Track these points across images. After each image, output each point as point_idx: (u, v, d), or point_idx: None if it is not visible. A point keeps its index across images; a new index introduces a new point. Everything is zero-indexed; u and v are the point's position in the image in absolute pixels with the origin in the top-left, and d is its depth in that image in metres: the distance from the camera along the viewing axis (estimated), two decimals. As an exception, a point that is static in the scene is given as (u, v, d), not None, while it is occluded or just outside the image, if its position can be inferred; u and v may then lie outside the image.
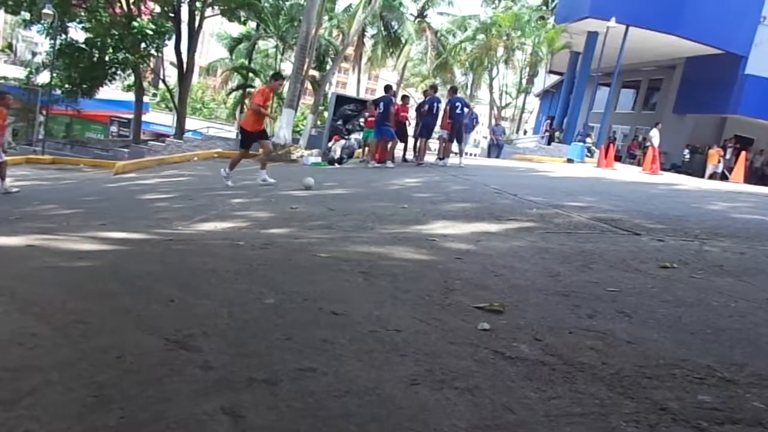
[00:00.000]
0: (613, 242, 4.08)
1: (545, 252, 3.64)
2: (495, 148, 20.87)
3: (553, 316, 2.34)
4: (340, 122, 15.99)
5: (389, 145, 12.00)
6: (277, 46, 32.29)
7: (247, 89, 34.19)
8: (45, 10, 19.59)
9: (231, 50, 34.80)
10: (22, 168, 14.07)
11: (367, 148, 13.05)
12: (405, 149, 13.57)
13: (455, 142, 12.59)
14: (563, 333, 2.15)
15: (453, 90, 13.04)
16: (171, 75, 31.95)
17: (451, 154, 12.76)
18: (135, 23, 20.10)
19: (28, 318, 2.08)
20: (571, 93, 23.84)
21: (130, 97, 27.29)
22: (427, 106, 12.05)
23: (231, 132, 28.96)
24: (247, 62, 33.88)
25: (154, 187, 9.48)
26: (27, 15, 21.48)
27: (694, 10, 19.75)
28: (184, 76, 23.47)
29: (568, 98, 24.10)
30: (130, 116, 27.10)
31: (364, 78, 41.29)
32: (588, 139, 21.86)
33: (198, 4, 22.46)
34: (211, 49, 48.32)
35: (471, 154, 23.48)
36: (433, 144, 15.33)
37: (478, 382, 1.70)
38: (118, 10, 21.47)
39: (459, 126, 12.02)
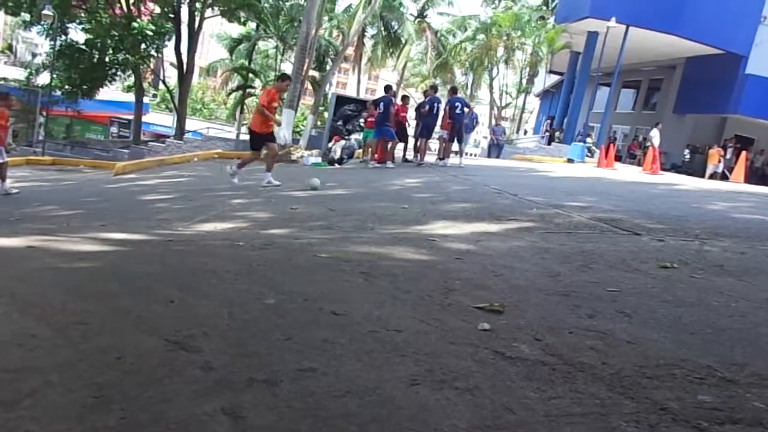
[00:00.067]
0: (613, 242, 4.08)
1: (545, 252, 3.64)
2: (495, 148, 20.87)
3: (553, 316, 2.34)
4: (340, 123, 16.00)
5: (389, 146, 12.00)
6: (277, 47, 32.30)
7: (247, 90, 34.21)
8: (45, 11, 19.60)
9: (231, 51, 34.80)
10: (23, 169, 14.07)
11: (369, 149, 13.05)
12: (405, 149, 13.57)
13: (455, 142, 12.59)
14: (563, 333, 2.14)
15: (453, 90, 13.04)
16: (171, 76, 31.97)
17: (451, 154, 12.77)
18: (135, 24, 20.11)
19: (28, 319, 2.08)
20: (571, 93, 23.85)
21: (130, 97, 27.31)
22: (427, 107, 12.06)
23: (231, 133, 29.01)
24: (247, 63, 33.88)
25: (154, 187, 9.48)
26: (27, 16, 21.49)
27: (695, 10, 19.75)
28: (184, 77, 23.48)
29: (569, 98, 24.10)
30: (130, 117, 27.12)
31: (364, 78, 41.28)
32: (588, 139, 21.86)
33: (198, 5, 22.47)
34: (211, 50, 48.35)
35: (471, 154, 23.49)
36: (434, 144, 15.33)
37: (478, 382, 1.70)
38: (117, 11, 21.48)
39: (459, 126, 12.03)
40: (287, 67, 30.51)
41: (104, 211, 6.75)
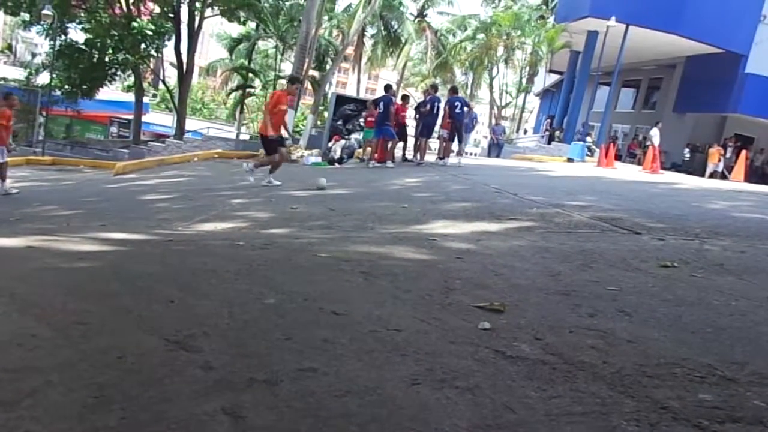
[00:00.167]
0: (613, 241, 4.08)
1: (545, 251, 3.64)
2: (495, 148, 20.87)
3: (553, 315, 2.34)
4: (340, 122, 15.99)
5: (389, 145, 12.00)
6: (276, 47, 32.28)
7: (247, 89, 34.19)
8: (44, 11, 19.61)
9: (231, 50, 34.78)
10: (23, 169, 14.07)
11: (369, 148, 13.05)
12: (404, 149, 13.57)
13: (455, 141, 12.59)
14: (564, 332, 2.14)
15: (453, 90, 13.04)
16: (171, 75, 31.94)
17: (451, 154, 12.77)
18: (135, 24, 20.10)
19: (28, 319, 2.08)
20: (571, 92, 23.84)
21: (130, 97, 27.30)
22: (428, 106, 12.06)
23: (231, 132, 28.99)
24: (246, 62, 33.85)
25: (154, 187, 9.48)
26: (26, 16, 21.48)
27: (694, 9, 19.74)
28: (184, 77, 23.47)
29: (568, 97, 24.10)
30: (130, 117, 27.11)
31: (364, 78, 41.28)
32: (588, 138, 21.85)
33: (198, 5, 22.45)
34: (210, 50, 48.31)
35: (471, 154, 23.49)
36: (434, 144, 15.33)
37: (479, 381, 1.70)
38: (117, 11, 21.47)
39: (459, 125, 12.03)
40: (287, 67, 30.54)
41: (104, 211, 6.75)
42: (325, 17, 28.01)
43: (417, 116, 12.82)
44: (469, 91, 34.12)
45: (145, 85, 27.22)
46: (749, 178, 16.95)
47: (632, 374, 1.77)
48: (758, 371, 1.83)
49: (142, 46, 20.82)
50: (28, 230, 4.79)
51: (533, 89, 34.04)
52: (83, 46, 20.84)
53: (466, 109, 12.31)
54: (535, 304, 2.51)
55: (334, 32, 34.11)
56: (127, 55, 20.45)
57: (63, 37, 21.23)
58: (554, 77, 30.14)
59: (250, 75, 33.78)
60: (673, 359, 1.90)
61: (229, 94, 38.86)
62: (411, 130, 13.99)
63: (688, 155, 22.28)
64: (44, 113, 21.37)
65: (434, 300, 2.50)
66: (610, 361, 1.87)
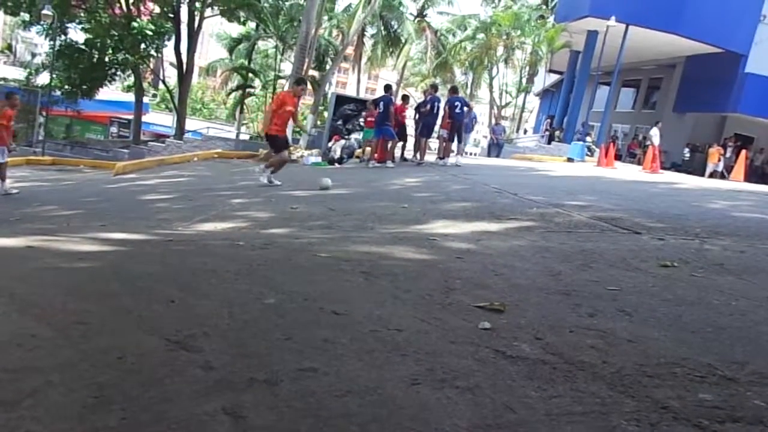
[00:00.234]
0: (613, 241, 4.08)
1: (546, 251, 3.64)
2: (495, 148, 20.87)
3: (553, 315, 2.34)
4: (340, 122, 16.00)
5: (389, 145, 12.00)
6: (276, 47, 32.26)
7: (247, 89, 34.18)
8: (44, 11, 19.61)
9: (231, 50, 34.78)
10: (23, 169, 14.07)
11: (368, 148, 13.05)
12: (404, 148, 13.57)
13: (455, 141, 12.59)
14: (564, 332, 2.14)
15: (453, 90, 13.04)
16: (171, 75, 31.93)
17: (451, 153, 12.77)
18: (134, 24, 20.11)
19: (28, 319, 2.08)
20: (571, 92, 23.84)
21: (130, 97, 27.31)
22: (428, 106, 12.06)
23: (231, 132, 28.98)
24: (246, 62, 33.86)
25: (154, 187, 9.48)
26: (26, 16, 21.48)
27: (694, 8, 19.75)
28: (184, 77, 23.48)
29: (568, 97, 24.10)
30: (130, 117, 27.12)
31: (363, 78, 41.27)
32: (588, 138, 21.85)
33: (197, 5, 22.46)
34: (210, 50, 48.30)
35: (471, 154, 23.48)
36: (433, 143, 15.32)
37: (479, 381, 1.70)
38: (117, 11, 21.47)
39: (459, 125, 12.03)
40: (287, 67, 30.52)
41: (104, 211, 6.75)
42: (325, 17, 28.01)
43: (417, 116, 12.82)
44: (469, 91, 34.12)
45: (145, 85, 27.23)
46: (749, 177, 16.96)
47: (632, 374, 1.77)
48: (758, 371, 1.83)
49: (142, 46, 20.84)
50: (28, 230, 4.80)
51: (533, 89, 34.04)
52: (83, 46, 20.85)
53: (465, 109, 12.30)
54: (536, 303, 2.51)
55: (334, 32, 34.11)
56: (127, 55, 20.46)
57: (63, 37, 21.24)
58: (554, 77, 30.15)
59: (250, 75, 33.79)
60: (674, 359, 1.90)
61: (229, 94, 38.86)
62: (410, 130, 13.99)
63: (687, 155, 22.28)
64: (44, 113, 21.38)
65: (434, 300, 2.50)
66: (611, 361, 1.87)
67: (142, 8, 22.35)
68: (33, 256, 3.30)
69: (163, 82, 28.81)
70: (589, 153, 19.88)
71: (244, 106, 35.64)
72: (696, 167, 20.40)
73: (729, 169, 18.32)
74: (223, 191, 7.93)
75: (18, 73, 27.61)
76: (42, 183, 11.67)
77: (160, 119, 34.44)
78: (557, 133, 23.83)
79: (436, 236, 4.16)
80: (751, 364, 1.89)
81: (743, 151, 17.87)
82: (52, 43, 20.93)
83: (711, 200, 7.44)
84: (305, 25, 16.82)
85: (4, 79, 24.85)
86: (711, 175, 18.31)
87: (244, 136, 27.08)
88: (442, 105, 12.13)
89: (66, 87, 21.18)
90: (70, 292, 2.46)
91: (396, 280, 2.82)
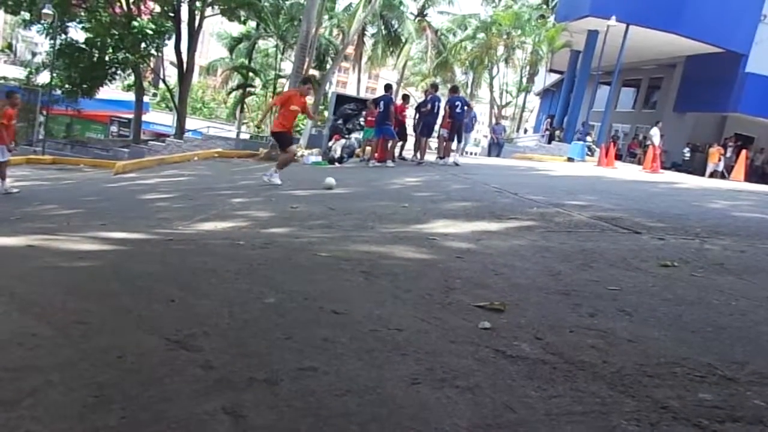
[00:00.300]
0: (613, 241, 4.08)
1: (546, 251, 3.64)
2: (495, 147, 20.87)
3: (553, 315, 2.34)
4: (340, 121, 15.99)
5: (389, 145, 12.00)
6: (277, 46, 32.27)
7: (247, 89, 34.18)
8: (45, 10, 19.60)
9: (231, 50, 34.79)
10: (23, 168, 14.08)
11: (368, 147, 13.04)
12: (402, 148, 13.56)
13: (455, 140, 12.60)
14: (564, 332, 2.14)
15: (454, 89, 13.04)
16: (171, 75, 31.96)
17: (451, 153, 12.77)
18: (135, 23, 20.12)
19: (28, 318, 2.08)
20: (571, 92, 23.84)
21: (130, 97, 27.32)
22: (429, 105, 12.06)
23: (231, 132, 28.99)
24: (247, 62, 33.86)
25: (155, 187, 9.48)
26: (27, 15, 21.49)
27: (695, 8, 19.74)
28: (184, 76, 23.49)
29: (569, 97, 24.09)
30: (130, 116, 27.13)
31: (364, 77, 41.28)
32: (588, 138, 21.85)
33: (198, 4, 22.47)
34: (211, 49, 48.29)
35: (471, 153, 23.48)
36: (433, 143, 15.32)
37: (479, 380, 1.70)
38: (117, 10, 21.48)
39: (459, 125, 12.03)
40: (287, 66, 30.52)
41: (104, 210, 6.75)
42: (326, 16, 28.02)
43: (417, 116, 12.82)
44: (469, 91, 34.12)
45: (145, 84, 27.24)
46: (749, 177, 16.96)
47: (632, 374, 1.77)
48: (758, 371, 1.83)
49: (143, 45, 20.84)
50: (29, 229, 4.80)
51: (533, 89, 34.03)
52: (83, 46, 20.86)
53: (466, 108, 12.31)
54: (536, 303, 2.51)
55: (335, 31, 34.10)
56: (127, 55, 20.47)
57: (63, 36, 21.25)
58: (554, 77, 30.15)
59: (251, 74, 33.81)
60: (674, 359, 1.90)
61: (230, 93, 38.87)
62: (408, 129, 13.98)
63: (688, 155, 22.28)
64: (44, 112, 21.39)
65: (434, 299, 2.50)
66: (611, 361, 1.87)
67: (142, 7, 22.36)
68: (33, 255, 3.29)
69: (164, 81, 28.83)
70: (589, 153, 19.88)
71: (245, 106, 35.65)
72: (696, 167, 20.40)
73: (729, 168, 18.31)
74: (224, 190, 7.93)
75: (18, 72, 27.63)
76: (42, 182, 11.68)
77: (160, 118, 34.45)
78: (557, 132, 23.83)
79: (437, 236, 4.15)
80: (751, 363, 1.89)
81: (743, 151, 17.87)
82: (52, 42, 20.94)
83: (711, 200, 7.44)
84: (306, 24, 16.81)
85: (5, 78, 24.87)
86: (711, 175, 18.31)
87: (244, 136, 27.10)
88: (442, 104, 12.14)
89: (66, 86, 21.20)
90: (70, 292, 2.46)
91: (396, 279, 2.82)
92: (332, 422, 1.43)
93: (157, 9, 22.37)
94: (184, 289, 2.53)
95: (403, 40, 34.16)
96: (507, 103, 36.70)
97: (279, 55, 32.88)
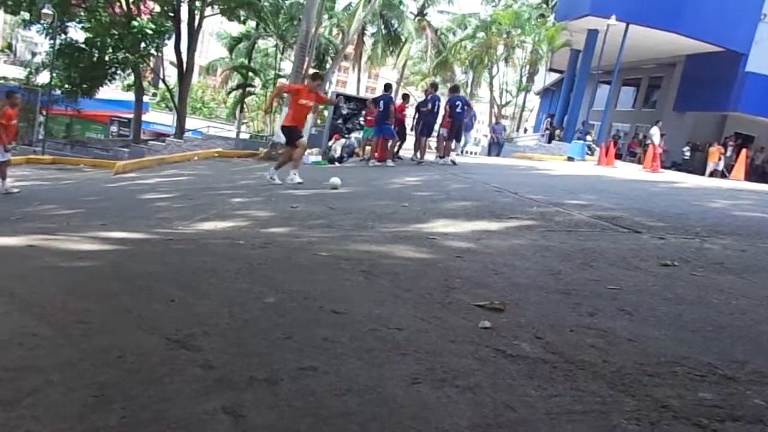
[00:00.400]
0: (613, 240, 4.08)
1: (546, 250, 3.64)
2: (495, 147, 20.88)
3: (553, 314, 2.34)
4: (340, 121, 16.00)
5: (389, 144, 12.00)
6: (277, 45, 32.26)
7: (247, 88, 34.16)
8: (44, 10, 19.59)
9: (231, 49, 34.77)
10: (23, 168, 14.08)
11: (368, 147, 13.04)
12: (400, 147, 13.57)
13: (455, 140, 12.60)
14: (564, 331, 2.14)
15: (454, 89, 13.04)
16: (171, 74, 31.94)
17: (451, 152, 12.77)
18: (135, 23, 20.11)
19: (28, 318, 2.08)
20: (571, 91, 23.84)
21: (130, 96, 27.32)
22: (429, 105, 12.06)
23: (231, 131, 28.98)
24: (246, 61, 33.85)
25: (155, 186, 9.48)
26: (26, 15, 21.49)
27: (695, 7, 19.75)
28: (184, 76, 23.48)
29: (569, 96, 24.10)
30: (130, 116, 27.13)
31: (364, 77, 41.27)
32: (588, 137, 21.85)
33: (198, 4, 22.46)
34: (210, 49, 48.29)
35: (471, 153, 23.48)
36: (433, 142, 15.32)
37: (479, 380, 1.70)
38: (117, 10, 21.48)
39: (459, 125, 12.03)
40: (287, 66, 30.52)
41: (104, 210, 6.75)
42: (325, 16, 27.99)
43: (417, 115, 12.82)
44: (469, 90, 34.12)
45: (145, 84, 27.25)
46: (749, 176, 16.96)
47: (632, 373, 1.77)
48: (758, 370, 1.83)
49: (142, 45, 20.85)
50: (29, 229, 4.80)
51: (533, 88, 34.04)
52: (83, 45, 20.86)
53: (466, 108, 12.31)
54: (536, 302, 2.51)
55: (334, 31, 34.09)
56: (127, 54, 20.48)
57: (63, 36, 21.25)
58: (554, 76, 30.15)
59: (250, 74, 33.79)
60: (674, 358, 1.90)
61: (229, 93, 38.86)
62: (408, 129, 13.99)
63: (688, 154, 22.29)
64: (44, 112, 21.38)
65: (434, 299, 2.50)
66: (611, 360, 1.87)
67: (142, 7, 22.36)
68: (33, 255, 3.29)
69: (163, 81, 28.82)
70: (589, 152, 19.88)
71: (244, 105, 35.63)
72: (696, 166, 20.40)
73: (729, 168, 18.32)
74: (223, 190, 7.93)
75: (18, 72, 27.63)
76: (42, 182, 11.68)
77: (160, 118, 34.46)
78: (557, 132, 23.83)
79: (437, 235, 4.15)
80: (751, 363, 1.89)
81: (744, 150, 17.87)
82: (52, 42, 20.93)
83: (711, 199, 7.44)
84: (305, 23, 16.81)
85: (5, 78, 24.86)
86: (711, 174, 18.31)
87: (244, 135, 27.09)
88: (442, 104, 12.14)
89: (66, 86, 21.20)
90: (70, 291, 2.46)
91: (396, 279, 2.82)
92: (332, 422, 1.43)
93: (157, 9, 22.37)
94: (184, 289, 2.53)
95: (403, 40, 34.14)
96: (507, 103, 36.69)
97: (279, 55, 32.87)
